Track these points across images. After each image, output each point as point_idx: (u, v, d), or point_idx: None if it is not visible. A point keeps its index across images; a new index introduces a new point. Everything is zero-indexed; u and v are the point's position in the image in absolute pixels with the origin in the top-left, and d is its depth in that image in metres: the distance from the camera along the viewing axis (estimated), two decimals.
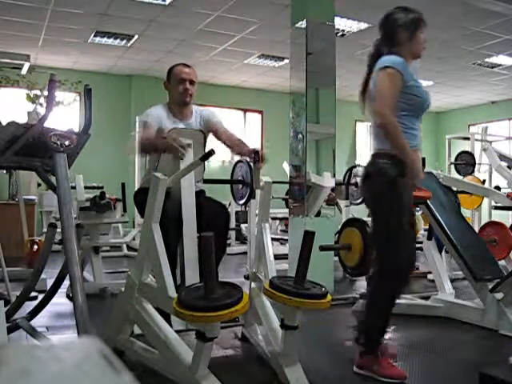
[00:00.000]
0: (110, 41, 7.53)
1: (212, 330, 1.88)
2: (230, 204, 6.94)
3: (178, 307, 1.85)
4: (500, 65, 8.55)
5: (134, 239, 6.38)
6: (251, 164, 2.83)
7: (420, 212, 5.42)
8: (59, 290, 2.73)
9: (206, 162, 2.92)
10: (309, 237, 2.08)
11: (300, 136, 4.36)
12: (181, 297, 1.91)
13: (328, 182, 4.46)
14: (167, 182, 2.29)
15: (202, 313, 1.80)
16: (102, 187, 5.89)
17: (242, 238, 7.94)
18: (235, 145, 2.83)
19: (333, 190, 4.69)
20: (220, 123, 2.95)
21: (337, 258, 4.19)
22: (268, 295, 2.12)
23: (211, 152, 2.28)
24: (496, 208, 5.79)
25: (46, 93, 4.09)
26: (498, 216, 6.35)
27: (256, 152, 2.56)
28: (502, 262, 4.46)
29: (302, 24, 4.38)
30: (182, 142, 2.52)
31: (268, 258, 2.55)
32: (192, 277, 2.47)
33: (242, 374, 2.42)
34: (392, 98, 2.21)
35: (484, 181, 6.37)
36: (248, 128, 10.66)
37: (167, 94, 2.99)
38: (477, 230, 5.11)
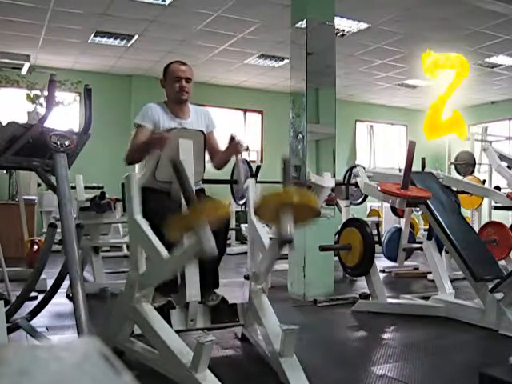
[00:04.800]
0: (110, 41, 7.53)
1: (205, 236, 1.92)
2: (230, 204, 6.94)
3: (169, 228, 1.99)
4: (500, 65, 8.55)
5: None
6: (249, 164, 2.87)
7: (420, 212, 5.44)
8: (59, 290, 2.73)
9: (205, 163, 2.94)
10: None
11: (300, 136, 4.36)
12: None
13: (328, 182, 4.45)
14: (138, 176, 2.43)
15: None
16: (102, 187, 5.89)
17: (242, 238, 7.94)
18: (221, 154, 2.93)
19: (333, 189, 4.69)
20: (213, 133, 3.03)
21: (337, 258, 4.21)
22: (265, 199, 2.13)
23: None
24: (496, 208, 5.80)
25: (46, 93, 4.09)
26: (498, 216, 6.35)
27: (233, 137, 2.63)
28: (502, 262, 4.47)
29: (302, 24, 4.37)
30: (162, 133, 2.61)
31: (264, 241, 2.54)
32: (192, 275, 2.47)
33: (242, 374, 2.42)
34: None
35: (484, 181, 6.37)
36: (248, 128, 10.66)
37: (164, 92, 2.99)
38: (477, 230, 5.11)
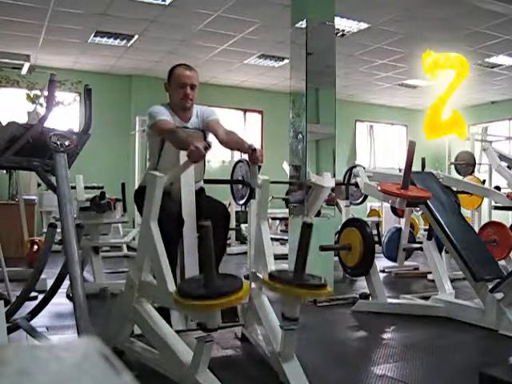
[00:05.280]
0: (110, 41, 7.53)
1: (213, 319, 1.88)
2: (230, 204, 6.94)
3: (179, 298, 1.85)
4: (500, 65, 8.55)
5: (134, 239, 6.38)
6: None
7: (420, 212, 5.44)
8: (59, 290, 2.73)
9: (206, 162, 2.93)
10: (306, 228, 2.04)
11: (300, 136, 4.36)
12: (181, 287, 1.92)
13: (328, 182, 4.45)
14: (165, 179, 2.30)
15: (202, 301, 1.80)
16: (102, 187, 5.89)
17: (241, 238, 7.94)
18: (234, 141, 2.78)
19: (333, 189, 4.69)
20: (217, 121, 2.91)
21: (337, 258, 4.21)
22: (268, 286, 2.11)
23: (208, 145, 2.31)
24: (496, 208, 5.79)
25: (46, 93, 4.09)
26: (498, 216, 6.35)
27: (253, 149, 2.54)
28: (502, 262, 4.47)
29: (302, 24, 4.37)
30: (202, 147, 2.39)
31: (267, 255, 2.53)
32: (192, 276, 2.47)
33: (242, 374, 2.42)
34: None
35: (484, 181, 6.37)
36: (248, 128, 10.66)
37: (167, 95, 2.96)
38: (477, 230, 5.11)
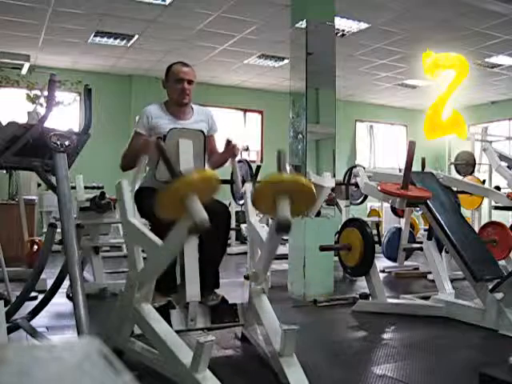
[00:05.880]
0: (110, 41, 7.53)
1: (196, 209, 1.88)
2: (229, 204, 6.94)
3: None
4: (500, 65, 8.55)
5: None
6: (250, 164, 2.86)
7: (420, 212, 5.43)
8: (59, 290, 2.73)
9: (206, 163, 2.94)
10: None
11: (300, 136, 4.36)
12: None
13: (328, 182, 4.45)
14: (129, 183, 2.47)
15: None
16: (102, 187, 5.89)
17: (242, 238, 7.93)
18: (215, 162, 2.93)
19: (333, 189, 4.69)
20: (215, 140, 3.04)
21: (337, 258, 4.21)
22: (261, 185, 2.13)
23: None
24: (496, 208, 5.79)
25: (46, 93, 4.09)
26: (498, 216, 6.35)
27: (228, 141, 2.63)
28: (502, 262, 4.47)
29: (302, 24, 4.38)
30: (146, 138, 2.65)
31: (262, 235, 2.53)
32: (192, 276, 2.47)
33: (242, 374, 2.42)
34: None
35: (484, 181, 6.37)
36: (248, 128, 10.66)
37: (166, 93, 2.99)
38: (477, 230, 5.11)
